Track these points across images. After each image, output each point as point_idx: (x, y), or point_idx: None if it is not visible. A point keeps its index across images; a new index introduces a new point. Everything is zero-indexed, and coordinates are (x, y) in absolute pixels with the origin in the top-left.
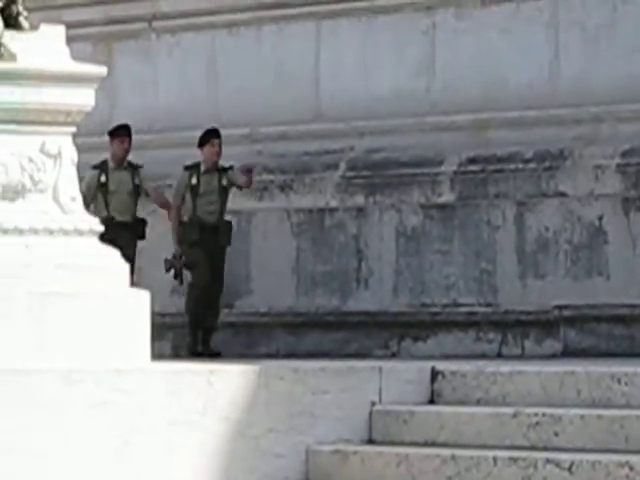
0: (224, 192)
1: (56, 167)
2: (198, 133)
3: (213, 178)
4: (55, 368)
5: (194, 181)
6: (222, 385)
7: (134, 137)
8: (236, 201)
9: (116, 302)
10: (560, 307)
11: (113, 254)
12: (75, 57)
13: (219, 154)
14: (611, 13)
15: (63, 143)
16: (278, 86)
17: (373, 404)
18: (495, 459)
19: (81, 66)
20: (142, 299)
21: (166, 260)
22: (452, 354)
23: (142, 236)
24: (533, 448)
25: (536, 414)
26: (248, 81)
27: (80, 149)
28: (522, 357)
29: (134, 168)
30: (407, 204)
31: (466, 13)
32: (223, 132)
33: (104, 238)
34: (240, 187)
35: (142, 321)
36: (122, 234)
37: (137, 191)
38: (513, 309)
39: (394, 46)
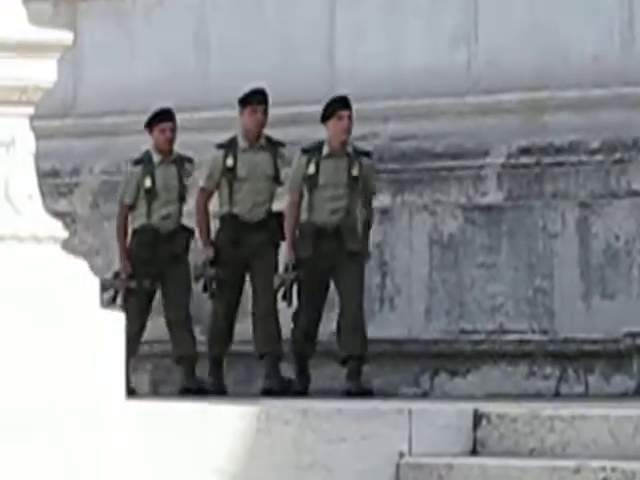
0: (354, 184)
1: (8, 157)
2: (185, 115)
3: (341, 164)
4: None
5: (312, 169)
6: (216, 430)
7: (105, 119)
8: None
9: (83, 326)
10: (633, 335)
11: (80, 266)
12: (32, 20)
13: (349, 131)
14: None
15: (17, 127)
16: (284, 58)
17: (401, 455)
18: None
19: (39, 31)
20: (116, 322)
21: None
22: (499, 393)
23: (280, 238)
24: None
25: (604, 469)
26: (246, 51)
27: (39, 135)
28: (586, 397)
29: (275, 146)
30: (443, 205)
31: None
32: (213, 114)
33: (231, 243)
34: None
35: (116, 350)
36: (251, 237)
37: (277, 177)
38: (574, 337)
39: (427, 9)
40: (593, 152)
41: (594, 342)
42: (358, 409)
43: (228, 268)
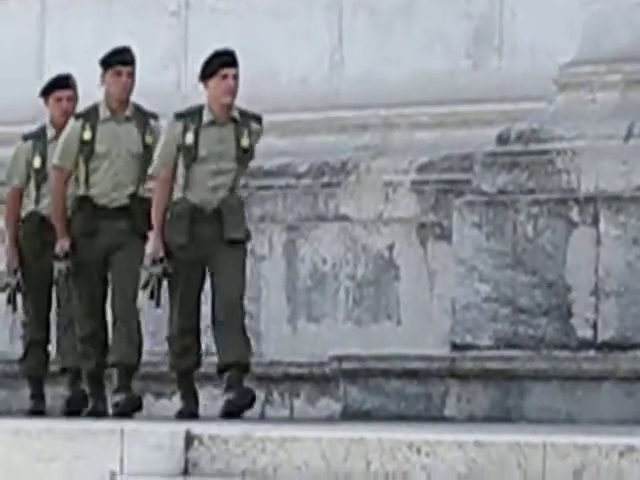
0: (244, 156)
1: None
2: None
3: (226, 133)
4: None
5: (190, 139)
6: None
7: None
8: None
9: None
10: (339, 358)
11: None
12: None
13: (235, 92)
14: None
15: None
16: None
17: (113, 475)
18: None
19: None
20: None
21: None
22: (205, 415)
23: (147, 227)
24: None
25: None
26: None
27: None
28: (291, 420)
29: (145, 117)
30: None
31: None
32: None
33: (86, 232)
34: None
35: None
36: (111, 225)
37: (149, 154)
38: (280, 360)
39: (138, 29)
40: (301, 176)
41: (300, 365)
42: (69, 429)
43: (83, 263)
